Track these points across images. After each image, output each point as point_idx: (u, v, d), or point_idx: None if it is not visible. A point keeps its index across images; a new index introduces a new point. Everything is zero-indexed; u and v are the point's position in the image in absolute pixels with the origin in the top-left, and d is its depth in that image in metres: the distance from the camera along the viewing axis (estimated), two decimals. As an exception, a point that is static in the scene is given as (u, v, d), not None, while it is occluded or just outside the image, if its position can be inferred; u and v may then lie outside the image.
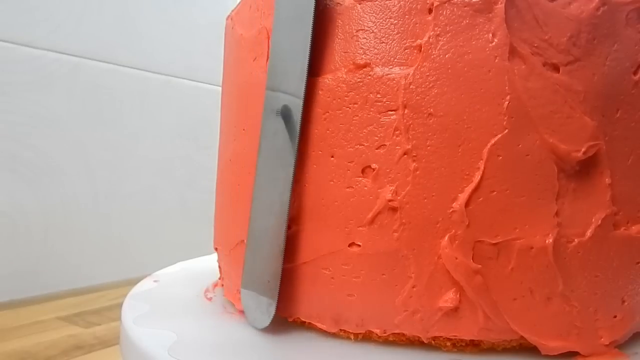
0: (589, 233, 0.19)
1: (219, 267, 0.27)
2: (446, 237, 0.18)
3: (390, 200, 0.18)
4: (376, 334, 0.20)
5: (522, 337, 0.19)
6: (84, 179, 0.50)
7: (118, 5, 0.52)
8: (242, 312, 0.23)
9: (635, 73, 0.20)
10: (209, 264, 0.34)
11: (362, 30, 0.19)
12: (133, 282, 0.28)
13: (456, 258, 0.18)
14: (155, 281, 0.30)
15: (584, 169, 0.19)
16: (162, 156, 0.57)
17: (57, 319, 0.38)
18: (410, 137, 0.18)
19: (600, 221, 0.19)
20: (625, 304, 0.20)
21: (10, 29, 0.44)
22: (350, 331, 0.20)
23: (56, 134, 0.47)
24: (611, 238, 0.19)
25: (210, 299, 0.26)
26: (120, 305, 0.24)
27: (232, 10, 0.27)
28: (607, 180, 0.19)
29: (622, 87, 0.19)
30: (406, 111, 0.18)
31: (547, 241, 0.18)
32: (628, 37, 0.19)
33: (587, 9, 0.19)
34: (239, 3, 0.26)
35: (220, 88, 0.27)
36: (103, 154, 0.51)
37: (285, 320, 0.22)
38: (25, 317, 0.38)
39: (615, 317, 0.20)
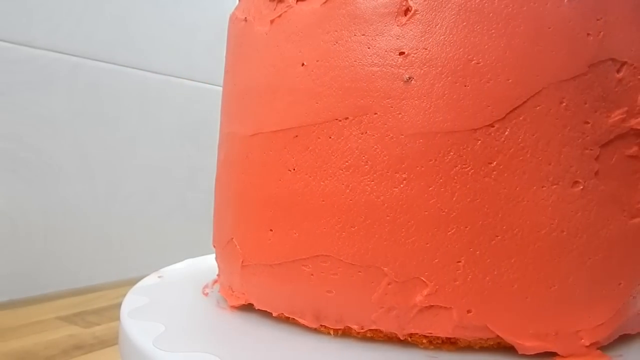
0: (567, 233, 0.20)
1: (217, 264, 0.29)
2: (419, 236, 0.19)
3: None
4: (355, 330, 0.21)
5: (498, 336, 0.20)
6: (83, 179, 0.52)
7: (118, 5, 0.54)
8: (233, 307, 0.25)
9: (618, 71, 0.20)
10: (215, 261, 0.36)
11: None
12: (133, 282, 0.30)
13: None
14: (159, 277, 0.32)
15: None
16: (161, 156, 0.59)
17: (56, 318, 0.40)
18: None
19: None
20: (609, 305, 0.21)
21: (9, 28, 0.46)
22: (330, 327, 0.22)
23: (56, 134, 0.49)
24: (592, 238, 0.20)
25: (206, 294, 0.28)
26: (119, 306, 0.26)
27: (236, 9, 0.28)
28: (587, 180, 0.20)
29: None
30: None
31: (521, 240, 0.19)
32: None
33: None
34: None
35: (219, 88, 0.29)
36: (103, 154, 0.53)
37: (270, 315, 0.23)
38: (25, 317, 0.40)
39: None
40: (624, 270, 0.20)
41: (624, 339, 0.22)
